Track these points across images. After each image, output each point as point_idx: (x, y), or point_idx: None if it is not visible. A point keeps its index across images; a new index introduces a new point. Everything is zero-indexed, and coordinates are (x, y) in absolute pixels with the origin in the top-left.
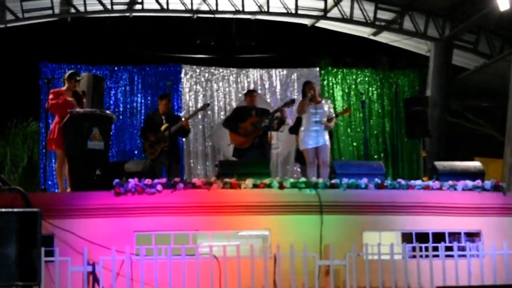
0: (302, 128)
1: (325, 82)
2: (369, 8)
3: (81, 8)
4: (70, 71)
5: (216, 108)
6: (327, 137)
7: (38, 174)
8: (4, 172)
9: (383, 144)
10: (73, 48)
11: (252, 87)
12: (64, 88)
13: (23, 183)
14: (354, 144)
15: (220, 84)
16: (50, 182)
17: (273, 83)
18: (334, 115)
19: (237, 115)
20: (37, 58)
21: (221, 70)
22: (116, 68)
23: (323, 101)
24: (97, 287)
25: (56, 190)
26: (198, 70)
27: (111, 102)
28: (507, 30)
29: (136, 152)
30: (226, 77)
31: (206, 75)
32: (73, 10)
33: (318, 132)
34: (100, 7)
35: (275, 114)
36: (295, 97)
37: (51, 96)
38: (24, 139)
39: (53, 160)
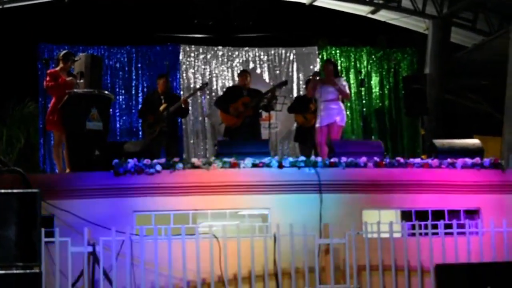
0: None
1: (323, 61)
2: None
3: None
4: (64, 51)
5: (214, 87)
6: (342, 115)
7: (35, 155)
8: (0, 153)
9: (382, 122)
10: (71, 29)
11: (250, 66)
12: (58, 68)
13: (19, 164)
14: (353, 122)
15: (219, 63)
16: (48, 164)
17: (271, 62)
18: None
19: (229, 95)
20: (34, 39)
21: (219, 49)
22: (114, 49)
23: (336, 79)
24: (97, 267)
25: (55, 171)
26: (196, 50)
27: (109, 82)
28: (505, 8)
29: (135, 132)
30: (224, 57)
31: (205, 54)
32: None
33: (332, 110)
34: None
35: (267, 95)
36: (287, 78)
37: (48, 78)
38: (21, 120)
39: (52, 141)
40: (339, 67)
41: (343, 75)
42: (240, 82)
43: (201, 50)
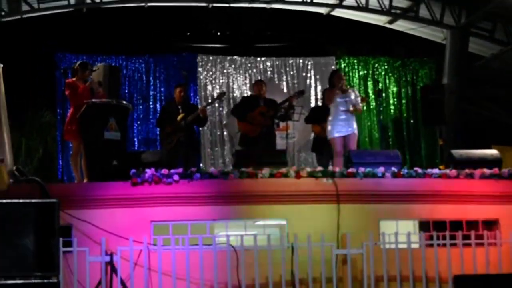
0: (330, 118)
1: (341, 71)
2: None
3: None
4: (80, 61)
5: (232, 97)
6: (355, 125)
7: (53, 165)
8: (19, 163)
9: (400, 132)
10: (89, 39)
11: (268, 76)
12: (76, 78)
13: (38, 174)
14: (371, 132)
15: (236, 73)
16: (66, 173)
17: (289, 72)
18: (360, 98)
19: (245, 104)
20: (52, 49)
21: (236, 59)
22: (132, 58)
23: (350, 90)
24: (115, 277)
25: (73, 181)
26: (213, 59)
27: (127, 91)
28: None
29: (152, 141)
30: (241, 66)
31: (222, 64)
32: (88, 1)
33: (347, 121)
34: None
35: (283, 105)
36: (304, 88)
37: (67, 89)
38: (38, 130)
39: (70, 151)
40: (356, 77)
41: (356, 85)
42: (256, 92)
43: (218, 60)
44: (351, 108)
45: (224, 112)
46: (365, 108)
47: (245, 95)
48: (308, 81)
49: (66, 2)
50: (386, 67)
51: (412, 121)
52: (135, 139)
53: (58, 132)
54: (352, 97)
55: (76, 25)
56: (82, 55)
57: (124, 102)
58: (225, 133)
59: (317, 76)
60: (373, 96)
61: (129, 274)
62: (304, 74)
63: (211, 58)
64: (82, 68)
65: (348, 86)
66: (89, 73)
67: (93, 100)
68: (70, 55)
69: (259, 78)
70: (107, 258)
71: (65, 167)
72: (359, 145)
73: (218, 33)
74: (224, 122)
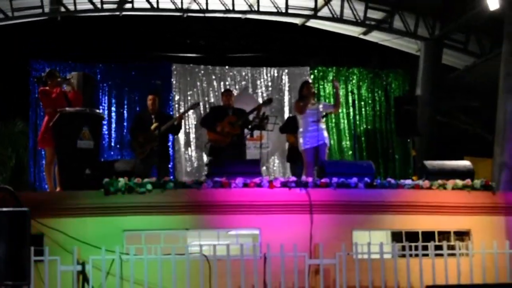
0: (300, 129)
1: (315, 81)
2: (359, 7)
3: (71, 7)
4: (48, 70)
5: (206, 106)
6: (326, 135)
7: (26, 173)
8: None
9: (373, 143)
10: (64, 47)
11: (242, 86)
12: (47, 87)
13: (12, 182)
14: (344, 143)
15: (211, 82)
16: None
17: (263, 82)
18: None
19: (214, 114)
20: (26, 57)
21: (211, 68)
22: (106, 67)
23: (318, 101)
24: (86, 286)
25: (46, 189)
26: (188, 69)
27: (101, 100)
28: (496, 30)
29: (124, 151)
30: (216, 76)
31: (197, 73)
32: (63, 9)
33: (317, 132)
34: (90, 6)
35: (252, 113)
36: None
37: (41, 97)
38: (11, 139)
39: (43, 160)
40: (330, 88)
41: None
42: (225, 102)
43: (193, 69)
44: (323, 116)
45: (197, 122)
46: (337, 118)
47: (217, 105)
48: (282, 91)
49: (40, 11)
50: (360, 77)
51: (385, 132)
52: (109, 148)
53: (31, 141)
54: (321, 108)
55: (51, 33)
56: (57, 62)
57: (98, 111)
58: (198, 142)
59: (292, 86)
60: (346, 106)
61: (101, 284)
62: (278, 84)
63: (186, 67)
64: (50, 77)
65: (316, 100)
66: (58, 81)
67: (67, 108)
68: (44, 63)
69: (233, 87)
70: (79, 267)
71: (37, 175)
72: (332, 155)
73: (193, 43)
74: (198, 132)
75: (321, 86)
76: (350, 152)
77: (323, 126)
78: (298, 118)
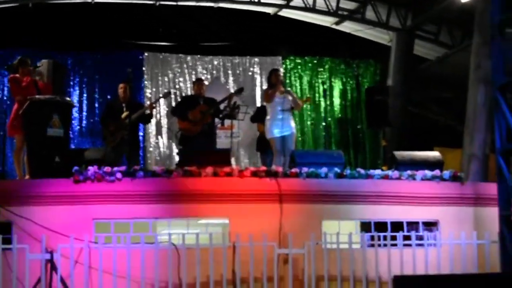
0: (268, 117)
1: (286, 71)
2: None
3: None
4: (19, 58)
5: (178, 95)
6: (293, 125)
7: None
8: None
9: (344, 133)
10: (35, 34)
11: (214, 75)
12: (18, 74)
13: None
14: (315, 132)
15: (182, 71)
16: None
17: (235, 71)
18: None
19: (185, 103)
20: None
21: (183, 57)
22: (77, 54)
23: (286, 89)
24: (55, 275)
25: (15, 177)
26: (160, 57)
27: (72, 88)
28: (468, 21)
29: (96, 139)
30: (188, 65)
31: (168, 62)
32: None
33: (284, 121)
34: None
35: (223, 102)
36: (251, 87)
37: (11, 84)
38: None
39: (13, 147)
40: (301, 77)
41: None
42: (196, 91)
43: (165, 58)
44: (289, 106)
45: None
46: (310, 107)
47: (188, 94)
48: (254, 80)
49: None
50: (331, 67)
51: (356, 122)
52: (79, 136)
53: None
54: (290, 97)
55: (21, 21)
56: (27, 50)
57: (68, 98)
58: (169, 131)
59: (263, 76)
60: (317, 96)
61: (70, 272)
62: (250, 73)
63: (157, 56)
64: (21, 65)
65: (286, 89)
66: (29, 68)
67: (37, 96)
68: (14, 50)
69: (205, 76)
70: (48, 256)
71: (6, 163)
72: (303, 145)
73: (165, 31)
74: (170, 121)
75: (293, 76)
76: (321, 142)
77: (290, 115)
78: (266, 106)
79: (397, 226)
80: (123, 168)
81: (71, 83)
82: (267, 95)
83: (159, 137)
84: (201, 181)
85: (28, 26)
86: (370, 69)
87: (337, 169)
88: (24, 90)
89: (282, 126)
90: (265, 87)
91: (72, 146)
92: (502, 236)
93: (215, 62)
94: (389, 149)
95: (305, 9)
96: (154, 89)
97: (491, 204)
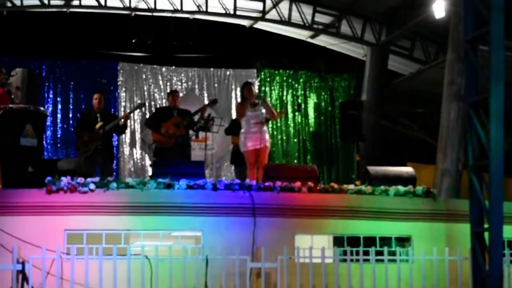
0: (242, 130)
1: (262, 84)
2: (307, 11)
3: (17, 2)
4: None
5: (152, 107)
6: (267, 138)
7: None
8: None
9: (318, 147)
10: (9, 42)
11: (189, 86)
12: None
13: None
14: (289, 146)
15: (157, 82)
16: None
17: (210, 83)
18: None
19: (159, 115)
20: None
21: (158, 68)
22: (52, 63)
23: (261, 102)
24: (26, 286)
25: None
26: (135, 68)
27: (46, 97)
28: (441, 37)
29: (70, 149)
30: (163, 76)
31: (143, 73)
32: (9, 4)
33: (259, 134)
34: (37, 2)
35: (197, 114)
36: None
37: None
38: None
39: None
40: (276, 90)
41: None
42: (171, 102)
43: (140, 69)
44: (263, 119)
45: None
46: (284, 120)
47: (162, 106)
48: (229, 92)
49: None
50: (306, 81)
51: (330, 136)
52: (53, 146)
53: None
54: (263, 110)
55: None
56: (2, 57)
57: (42, 108)
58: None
59: (238, 88)
60: (292, 110)
61: (41, 284)
62: (225, 85)
63: (132, 66)
64: None
65: (259, 100)
66: (4, 77)
67: (10, 105)
68: None
69: (180, 88)
70: (19, 267)
71: None
72: (276, 158)
73: (140, 42)
74: (143, 132)
75: (267, 89)
76: (295, 155)
77: (265, 128)
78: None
79: (369, 241)
80: (96, 179)
81: (45, 92)
82: (238, 112)
83: (133, 148)
84: (174, 193)
85: (2, 34)
86: (345, 83)
87: (310, 184)
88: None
89: (256, 139)
90: (239, 99)
91: (46, 156)
92: (474, 252)
93: (190, 74)
94: (363, 163)
95: (281, 22)
96: (128, 100)
97: (463, 220)
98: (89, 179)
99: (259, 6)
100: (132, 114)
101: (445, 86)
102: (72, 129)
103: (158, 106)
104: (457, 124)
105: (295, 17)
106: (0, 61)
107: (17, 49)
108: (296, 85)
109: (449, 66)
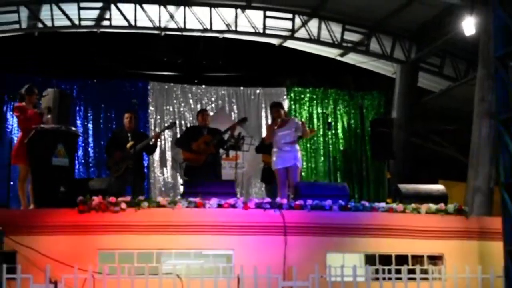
0: (274, 149)
1: (291, 102)
2: (337, 29)
3: (49, 23)
4: (26, 86)
5: (183, 126)
6: (299, 157)
7: None
8: None
9: (348, 165)
10: (40, 62)
11: (219, 105)
12: (24, 103)
13: None
14: (319, 165)
15: (187, 101)
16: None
17: (239, 102)
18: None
19: (189, 134)
20: (1, 71)
21: (188, 87)
22: (83, 83)
23: (291, 120)
24: None
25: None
26: (165, 87)
27: (77, 117)
28: (472, 54)
29: (101, 169)
30: (193, 95)
31: (173, 92)
32: (40, 25)
33: (289, 153)
34: (68, 23)
35: (226, 132)
36: (256, 119)
37: (15, 112)
38: None
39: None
40: (306, 108)
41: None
42: (200, 121)
43: (170, 88)
44: (294, 138)
45: (173, 141)
46: (313, 139)
47: (192, 125)
48: (259, 111)
49: (17, 26)
50: (336, 99)
51: (360, 154)
52: (85, 165)
53: (4, 156)
54: (293, 127)
55: (28, 49)
56: (34, 78)
57: (73, 128)
58: (174, 162)
59: (268, 107)
60: (322, 128)
61: None
62: (255, 104)
63: (162, 85)
64: (28, 93)
65: (289, 117)
66: (36, 97)
67: (42, 125)
68: (21, 78)
69: (210, 107)
70: (51, 286)
71: (11, 192)
72: (307, 177)
73: (170, 61)
74: (174, 151)
75: (297, 108)
76: (325, 174)
77: (296, 147)
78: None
79: (401, 259)
80: (127, 198)
81: (76, 111)
82: (267, 132)
83: (164, 167)
84: (205, 212)
85: (34, 54)
86: (375, 101)
87: (341, 202)
88: (29, 118)
89: (287, 158)
90: (269, 118)
91: (77, 176)
92: (507, 270)
93: (220, 93)
94: (393, 181)
95: (310, 40)
96: (159, 119)
97: (496, 238)
98: (120, 199)
99: (288, 24)
100: (162, 133)
101: (476, 103)
102: (103, 149)
103: (188, 125)
104: (488, 141)
105: (324, 35)
106: (32, 81)
107: (49, 69)
108: (326, 103)
109: (479, 83)
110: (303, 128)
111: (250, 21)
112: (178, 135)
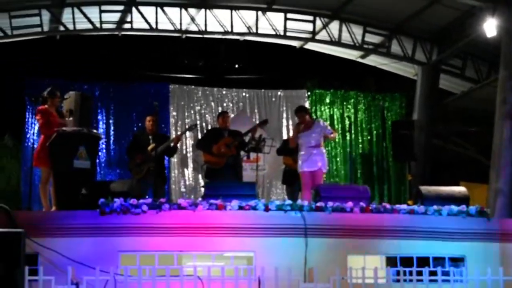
0: (302, 152)
1: (312, 104)
2: (357, 31)
3: (70, 26)
4: (49, 88)
5: (204, 128)
6: (324, 161)
7: (18, 191)
8: None
9: (369, 167)
10: (61, 65)
11: (240, 107)
12: (47, 105)
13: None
14: (340, 167)
15: (209, 103)
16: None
17: (260, 104)
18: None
19: (210, 136)
20: (22, 74)
21: (208, 90)
22: (104, 86)
23: (315, 123)
24: None
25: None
26: (186, 90)
27: (99, 120)
28: (493, 56)
29: (122, 171)
30: (214, 97)
31: (194, 94)
32: (62, 28)
33: (315, 156)
34: (89, 26)
35: (247, 134)
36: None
37: (38, 116)
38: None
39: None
40: (327, 110)
41: (327, 119)
42: (221, 123)
43: (190, 90)
44: (318, 142)
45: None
46: (335, 141)
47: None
48: (280, 113)
49: (39, 29)
50: (357, 101)
51: (381, 156)
52: (107, 167)
53: (26, 159)
54: (318, 130)
55: (49, 51)
56: (55, 81)
57: (95, 131)
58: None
59: (289, 109)
60: (342, 130)
61: None
62: (275, 106)
63: (183, 88)
64: (50, 96)
65: (313, 120)
66: (58, 100)
67: (64, 128)
68: (42, 81)
69: (231, 109)
70: None
71: (32, 194)
72: (328, 179)
73: (191, 64)
74: (195, 153)
75: (318, 110)
76: (346, 176)
77: (322, 150)
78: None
79: (423, 261)
80: (149, 200)
81: (98, 114)
82: (291, 137)
83: (185, 169)
84: (226, 214)
85: (56, 57)
86: (396, 102)
87: (362, 204)
88: (51, 121)
89: (313, 162)
90: (291, 120)
91: (99, 178)
92: None
93: (241, 95)
94: (415, 183)
95: (331, 42)
96: (180, 121)
97: None
98: (141, 201)
99: (309, 27)
100: (183, 136)
101: (498, 104)
102: (124, 151)
103: (209, 127)
104: (510, 143)
105: (345, 37)
106: (54, 84)
107: (70, 72)
108: (347, 105)
109: (501, 85)
110: (330, 131)
111: (271, 24)
112: (199, 137)
